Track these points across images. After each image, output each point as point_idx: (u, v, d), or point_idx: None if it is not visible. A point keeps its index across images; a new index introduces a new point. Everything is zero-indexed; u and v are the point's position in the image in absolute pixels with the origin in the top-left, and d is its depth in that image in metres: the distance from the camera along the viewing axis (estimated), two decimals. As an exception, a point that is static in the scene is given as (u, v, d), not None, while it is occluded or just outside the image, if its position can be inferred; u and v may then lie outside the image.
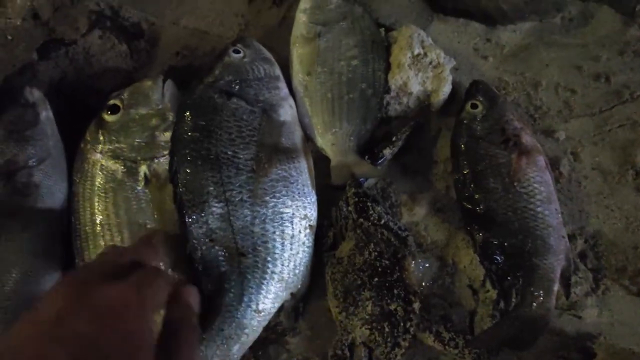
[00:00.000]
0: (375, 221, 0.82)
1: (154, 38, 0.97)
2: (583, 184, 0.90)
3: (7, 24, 0.79)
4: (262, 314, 0.78)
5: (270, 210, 0.78)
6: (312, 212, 0.83)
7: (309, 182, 0.83)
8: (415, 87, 0.90)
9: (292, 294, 0.80)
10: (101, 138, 0.84)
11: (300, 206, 0.81)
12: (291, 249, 0.79)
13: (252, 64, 0.87)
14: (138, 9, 0.99)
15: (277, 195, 0.79)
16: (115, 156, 0.82)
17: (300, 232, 0.80)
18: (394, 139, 0.89)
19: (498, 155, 0.85)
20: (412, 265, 0.78)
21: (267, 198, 0.79)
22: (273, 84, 0.87)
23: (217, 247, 0.77)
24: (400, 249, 0.79)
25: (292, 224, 0.80)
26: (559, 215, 0.83)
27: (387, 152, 0.88)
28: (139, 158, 0.81)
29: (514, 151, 0.84)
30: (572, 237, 0.86)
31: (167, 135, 0.83)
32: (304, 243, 0.80)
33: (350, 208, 0.83)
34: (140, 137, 0.83)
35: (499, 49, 1.01)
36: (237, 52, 0.87)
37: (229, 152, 0.79)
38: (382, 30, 0.95)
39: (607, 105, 0.96)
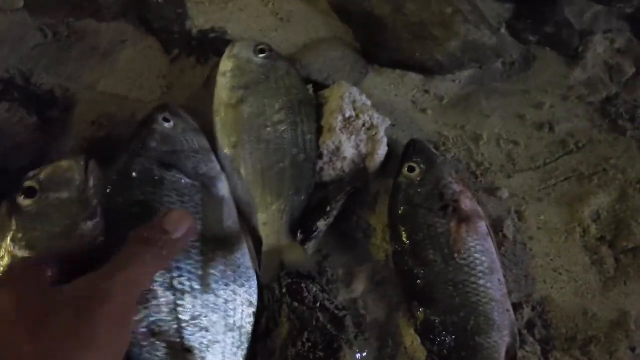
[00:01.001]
0: (311, 304, 0.76)
1: (68, 106, 0.90)
2: (529, 246, 0.86)
3: None
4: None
5: (220, 299, 0.71)
6: (255, 298, 0.76)
7: (250, 263, 0.77)
8: (349, 151, 0.85)
9: None
10: (14, 225, 0.76)
11: (246, 292, 0.74)
12: (240, 343, 0.73)
13: (185, 135, 0.79)
14: (51, 74, 0.92)
15: (227, 281, 0.73)
16: (29, 246, 0.74)
17: (245, 321, 0.74)
18: (328, 208, 0.83)
19: (437, 224, 0.80)
20: (348, 357, 0.73)
21: (217, 285, 0.71)
22: (207, 156, 0.80)
23: (159, 343, 0.68)
24: (336, 338, 0.74)
25: (240, 313, 0.73)
26: (503, 286, 0.78)
27: (322, 225, 0.82)
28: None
29: (453, 218, 0.80)
30: (518, 306, 0.82)
31: (90, 225, 0.75)
32: (248, 333, 0.74)
33: (283, 290, 0.77)
34: (59, 225, 0.75)
35: (438, 100, 0.96)
36: (167, 120, 0.79)
37: None
38: (311, 87, 0.89)
39: (552, 156, 0.92)
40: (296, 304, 0.76)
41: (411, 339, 0.79)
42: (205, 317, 0.69)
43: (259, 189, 0.81)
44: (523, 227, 0.87)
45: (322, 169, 0.85)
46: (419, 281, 0.78)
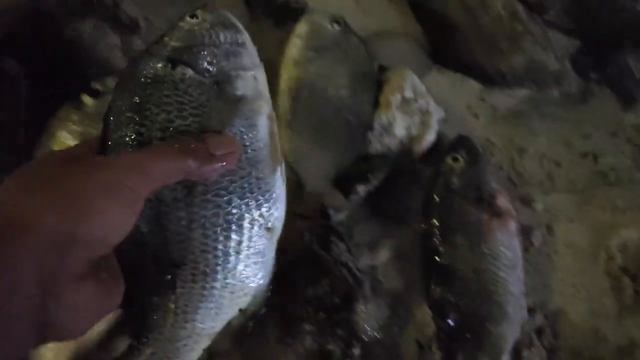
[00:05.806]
0: (336, 258, 0.79)
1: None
2: (553, 258, 0.88)
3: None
4: (200, 334, 0.63)
5: (210, 212, 0.60)
6: (272, 212, 0.63)
7: (268, 173, 0.63)
8: (400, 130, 0.89)
9: (240, 310, 0.64)
10: (74, 118, 0.82)
11: (253, 206, 0.62)
12: (238, 259, 0.62)
13: (211, 29, 0.64)
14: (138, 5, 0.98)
15: (222, 192, 0.60)
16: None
17: (252, 237, 0.62)
18: (369, 177, 0.86)
19: (470, 213, 0.82)
20: (362, 309, 0.75)
21: (209, 196, 0.60)
22: (234, 49, 0.63)
23: (147, 255, 0.59)
24: (354, 290, 0.76)
25: (241, 228, 0.62)
26: (522, 284, 0.80)
27: (361, 190, 0.85)
28: None
29: (486, 211, 0.82)
30: (531, 310, 0.83)
31: None
32: (258, 252, 0.63)
33: (313, 237, 0.80)
34: None
35: (491, 109, 1.00)
36: (194, 16, 0.64)
37: (165, 138, 0.58)
38: (377, 64, 0.94)
39: (591, 184, 0.95)
40: (322, 252, 0.79)
41: (423, 312, 0.81)
42: (195, 230, 0.60)
43: (310, 139, 0.86)
44: (551, 240, 0.89)
45: (370, 141, 0.89)
46: (442, 261, 0.80)
